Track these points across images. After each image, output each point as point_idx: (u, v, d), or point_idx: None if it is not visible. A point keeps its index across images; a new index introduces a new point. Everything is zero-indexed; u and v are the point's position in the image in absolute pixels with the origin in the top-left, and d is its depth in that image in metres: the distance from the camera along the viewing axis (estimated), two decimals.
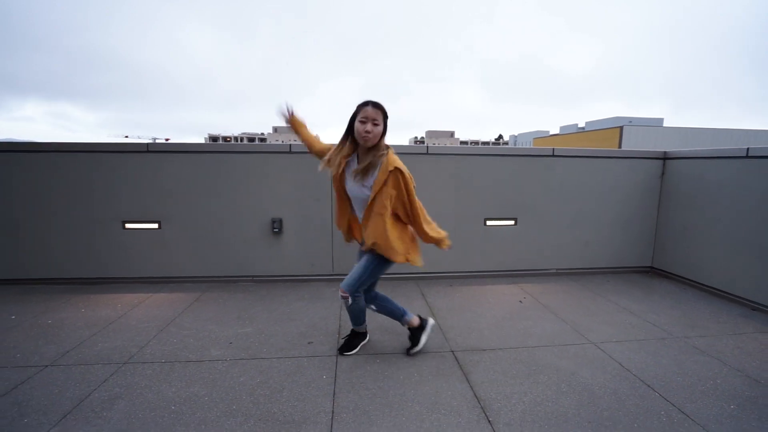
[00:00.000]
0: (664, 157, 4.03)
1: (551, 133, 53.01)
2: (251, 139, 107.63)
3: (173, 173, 3.56)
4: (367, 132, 1.99)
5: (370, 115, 2.00)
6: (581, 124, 47.42)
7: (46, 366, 2.23)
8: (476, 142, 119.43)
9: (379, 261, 2.16)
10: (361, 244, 2.24)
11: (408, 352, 2.40)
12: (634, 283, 3.82)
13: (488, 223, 3.88)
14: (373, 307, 2.36)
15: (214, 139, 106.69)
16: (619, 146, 31.10)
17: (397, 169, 1.99)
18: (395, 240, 2.09)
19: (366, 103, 2.04)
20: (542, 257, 4.02)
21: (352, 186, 2.12)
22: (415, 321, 2.42)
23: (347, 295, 2.16)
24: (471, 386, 2.07)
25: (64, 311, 3.01)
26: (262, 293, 3.42)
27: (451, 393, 2.01)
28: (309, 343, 2.54)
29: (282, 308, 3.10)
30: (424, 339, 2.42)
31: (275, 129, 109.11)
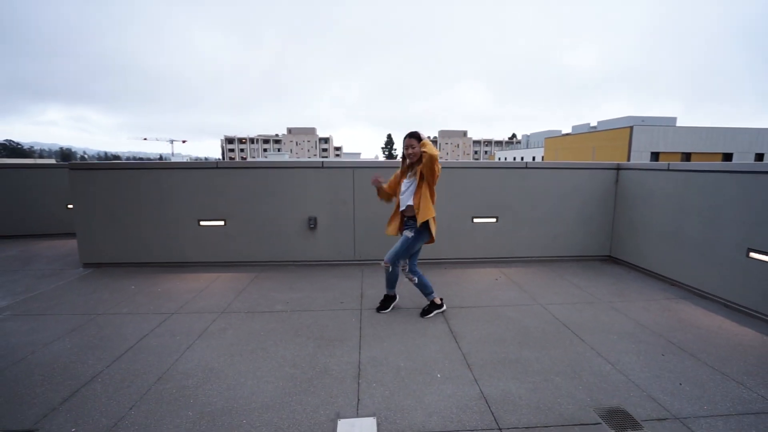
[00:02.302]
0: (617, 168, 5.05)
1: (563, 132, 53.18)
2: (266, 140, 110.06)
3: (236, 183, 4.76)
4: (410, 153, 3.18)
5: (408, 143, 3.18)
6: (593, 123, 47.51)
7: (173, 314, 3.44)
8: (489, 142, 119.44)
9: (413, 239, 3.23)
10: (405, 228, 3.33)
11: (422, 315, 3.37)
12: (590, 268, 4.86)
13: (475, 220, 4.97)
14: (415, 280, 3.35)
15: (230, 140, 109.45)
16: (629, 146, 31.42)
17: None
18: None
19: (405, 136, 3.20)
20: (519, 247, 5.09)
21: (405, 181, 3.25)
22: (437, 300, 3.47)
23: (388, 264, 3.27)
24: (449, 326, 3.19)
25: (165, 284, 4.24)
26: (303, 273, 4.60)
27: (435, 329, 3.13)
28: (341, 303, 3.69)
29: (320, 282, 4.27)
30: (434, 313, 3.41)
31: (289, 130, 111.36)
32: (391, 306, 3.51)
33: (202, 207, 4.79)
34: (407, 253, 3.29)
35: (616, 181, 5.07)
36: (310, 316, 3.39)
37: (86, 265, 4.84)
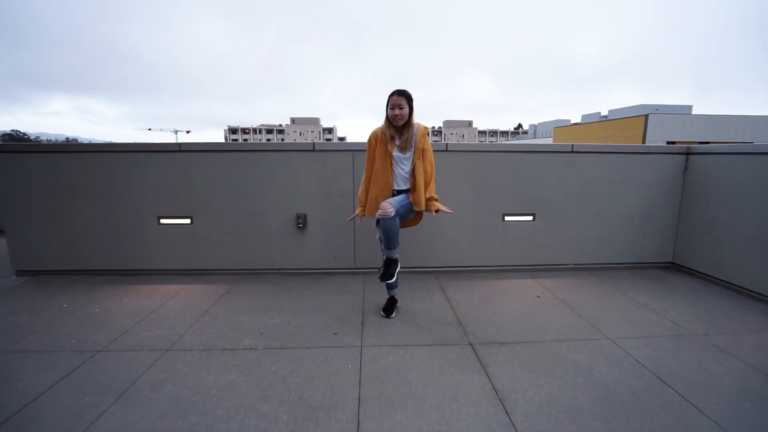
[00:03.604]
0: (687, 152, 3.97)
1: (572, 121, 51.56)
2: (270, 131, 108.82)
3: (204, 171, 3.74)
4: (395, 115, 2.57)
5: (395, 102, 2.57)
6: (604, 112, 45.93)
7: (99, 351, 2.45)
8: (495, 132, 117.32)
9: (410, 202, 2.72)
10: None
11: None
12: (653, 279, 3.82)
13: (507, 218, 3.93)
14: (392, 213, 2.53)
15: (233, 130, 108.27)
16: (644, 135, 30.06)
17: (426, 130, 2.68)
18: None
19: (392, 93, 2.59)
20: (560, 252, 4.05)
21: (398, 155, 2.68)
22: (395, 256, 2.76)
23: (392, 208, 2.47)
24: (489, 378, 2.18)
25: (109, 301, 3.25)
26: (288, 285, 3.59)
27: (470, 384, 2.12)
28: (335, 334, 2.69)
29: (308, 300, 3.27)
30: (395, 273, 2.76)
31: (293, 120, 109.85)
32: (396, 273, 2.78)
33: (164, 201, 3.78)
34: (404, 210, 2.68)
35: (685, 169, 4.00)
36: (288, 358, 2.38)
37: (19, 273, 3.87)
